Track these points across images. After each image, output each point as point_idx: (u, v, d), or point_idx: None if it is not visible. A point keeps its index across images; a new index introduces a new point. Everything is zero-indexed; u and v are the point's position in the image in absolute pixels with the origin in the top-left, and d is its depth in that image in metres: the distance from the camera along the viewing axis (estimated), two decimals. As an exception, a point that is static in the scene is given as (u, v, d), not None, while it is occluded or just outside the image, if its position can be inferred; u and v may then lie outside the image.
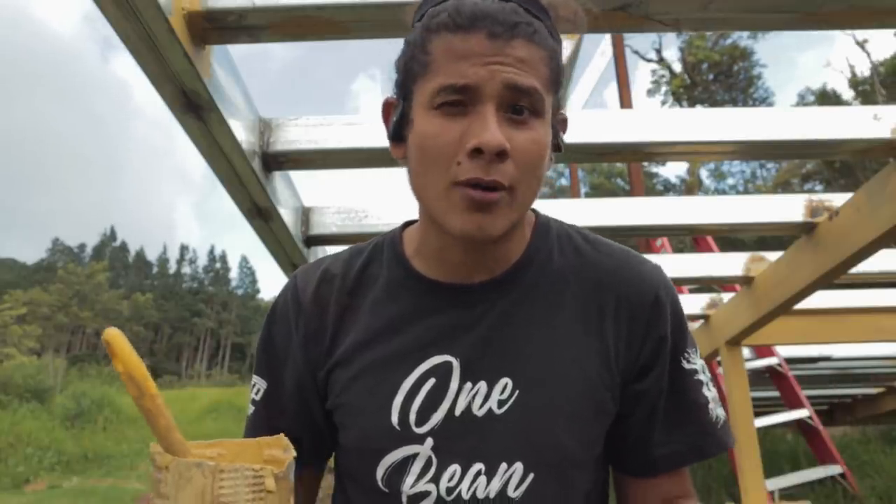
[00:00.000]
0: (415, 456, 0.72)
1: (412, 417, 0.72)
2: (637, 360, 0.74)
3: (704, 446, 0.76)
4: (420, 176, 0.69)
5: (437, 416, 0.72)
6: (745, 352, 4.28)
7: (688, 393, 0.76)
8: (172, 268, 79.60)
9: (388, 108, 0.76)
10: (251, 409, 0.82)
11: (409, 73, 0.70)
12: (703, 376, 0.78)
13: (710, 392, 0.78)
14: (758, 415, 4.54)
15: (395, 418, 0.72)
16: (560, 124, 0.75)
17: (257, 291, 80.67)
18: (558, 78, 0.70)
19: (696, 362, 0.77)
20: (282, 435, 0.59)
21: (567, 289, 0.75)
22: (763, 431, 5.20)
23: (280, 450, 0.57)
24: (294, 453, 0.58)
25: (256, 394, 0.82)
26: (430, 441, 0.72)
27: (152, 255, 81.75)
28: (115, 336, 0.51)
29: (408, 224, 0.83)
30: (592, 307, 0.74)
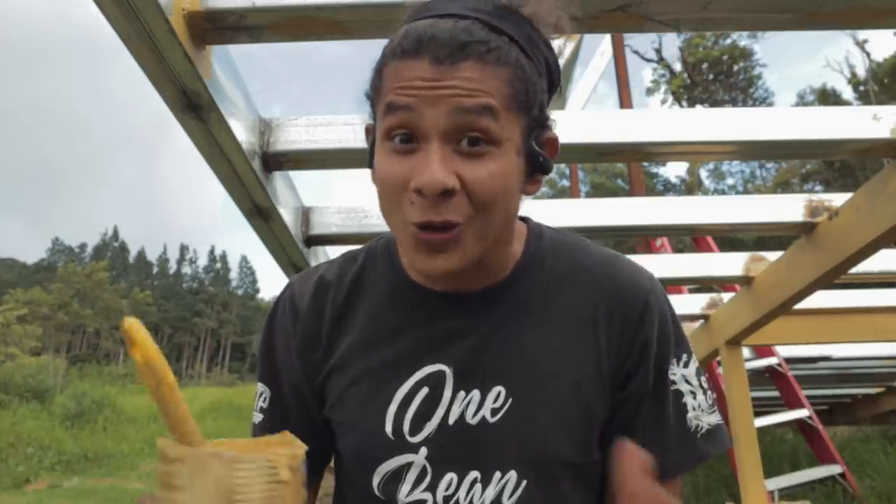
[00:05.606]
0: (410, 465, 0.72)
1: (406, 427, 0.72)
2: (623, 366, 0.74)
3: (682, 459, 0.74)
4: (382, 209, 0.68)
5: (431, 425, 0.72)
6: (745, 352, 4.28)
7: (664, 403, 0.74)
8: (173, 268, 79.63)
9: (368, 133, 0.74)
10: (259, 416, 0.82)
11: (371, 100, 0.70)
12: (686, 385, 0.75)
13: (695, 400, 0.76)
14: (758, 415, 4.54)
15: (389, 427, 0.72)
16: (546, 145, 0.71)
17: (257, 291, 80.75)
18: (528, 97, 0.65)
19: (676, 372, 0.75)
20: (286, 432, 0.59)
21: (560, 296, 0.75)
22: (763, 431, 5.20)
23: (285, 447, 0.57)
24: (305, 447, 0.58)
25: (264, 401, 0.81)
26: (424, 450, 0.72)
27: (152, 255, 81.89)
28: (133, 324, 0.51)
29: None
30: (586, 314, 0.74)
